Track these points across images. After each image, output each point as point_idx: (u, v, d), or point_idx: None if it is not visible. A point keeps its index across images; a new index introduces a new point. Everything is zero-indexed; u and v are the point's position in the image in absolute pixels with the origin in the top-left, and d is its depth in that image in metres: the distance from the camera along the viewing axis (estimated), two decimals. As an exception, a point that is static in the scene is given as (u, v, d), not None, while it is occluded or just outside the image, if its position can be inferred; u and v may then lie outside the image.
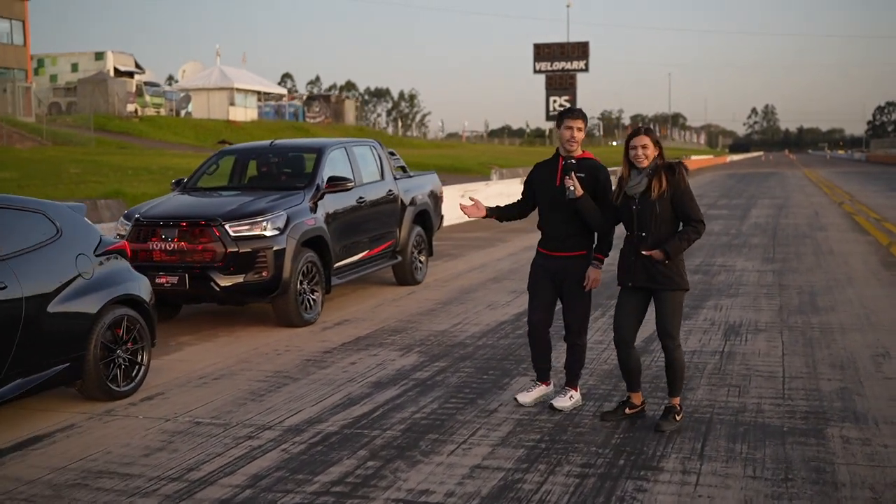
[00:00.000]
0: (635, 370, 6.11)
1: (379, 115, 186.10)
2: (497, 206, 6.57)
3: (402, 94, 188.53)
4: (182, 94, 62.97)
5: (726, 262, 14.20)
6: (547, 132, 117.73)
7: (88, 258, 6.68)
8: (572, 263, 6.21)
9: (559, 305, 6.47)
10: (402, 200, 11.83)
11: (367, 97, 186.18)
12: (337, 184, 10.14)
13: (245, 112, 64.31)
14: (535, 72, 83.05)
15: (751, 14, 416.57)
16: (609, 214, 6.10)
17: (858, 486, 4.87)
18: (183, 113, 62.15)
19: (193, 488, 4.98)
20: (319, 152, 10.55)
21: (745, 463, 5.23)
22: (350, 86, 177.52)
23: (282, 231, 9.20)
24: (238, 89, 65.16)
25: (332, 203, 10.22)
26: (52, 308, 6.24)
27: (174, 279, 8.98)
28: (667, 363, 5.97)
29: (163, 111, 59.28)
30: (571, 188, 6.07)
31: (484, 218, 6.46)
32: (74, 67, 55.90)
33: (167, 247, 9.06)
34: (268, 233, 9.11)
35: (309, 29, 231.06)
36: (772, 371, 7.31)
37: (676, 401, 5.94)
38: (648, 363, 7.55)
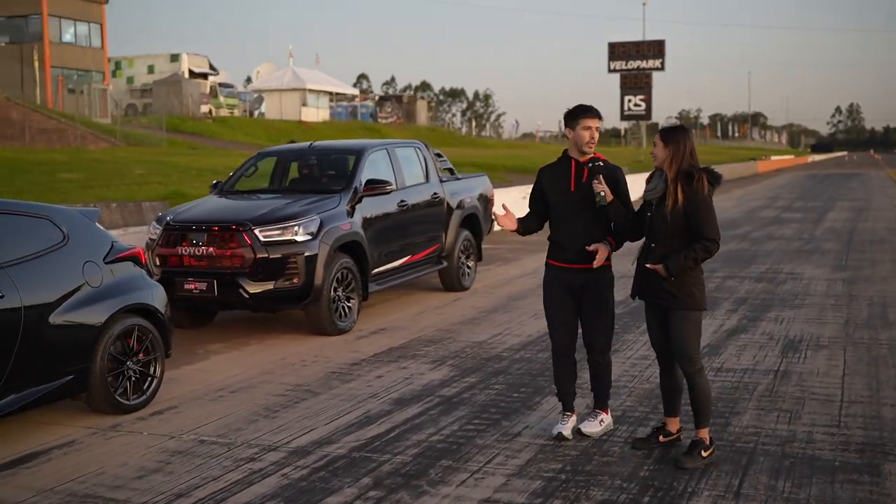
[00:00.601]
0: (674, 391, 5.58)
1: (454, 116, 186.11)
2: (520, 219, 6.00)
3: (476, 94, 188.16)
4: (255, 95, 63.55)
5: (794, 269, 13.44)
6: (622, 132, 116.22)
7: (97, 265, 6.40)
8: (594, 276, 5.68)
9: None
10: (448, 203, 11.40)
11: (441, 97, 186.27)
12: (375, 187, 9.76)
13: (317, 112, 64.59)
14: (610, 71, 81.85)
15: (834, 11, 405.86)
16: (635, 219, 5.59)
17: (914, 535, 4.29)
18: (256, 114, 62.71)
19: (177, 518, 4.63)
20: (358, 154, 10.18)
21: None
22: (425, 86, 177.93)
23: (314, 236, 8.85)
24: (310, 90, 65.46)
25: (371, 207, 9.85)
26: (55, 318, 5.97)
27: (203, 285, 8.70)
28: (689, 390, 5.41)
29: (237, 112, 59.85)
30: (602, 193, 5.56)
31: (514, 232, 5.93)
32: (150, 69, 56.80)
33: (196, 252, 8.79)
34: (299, 238, 8.77)
35: (385, 30, 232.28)
36: (829, 394, 6.69)
37: (704, 433, 5.36)
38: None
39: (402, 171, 10.74)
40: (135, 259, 6.84)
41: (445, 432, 5.96)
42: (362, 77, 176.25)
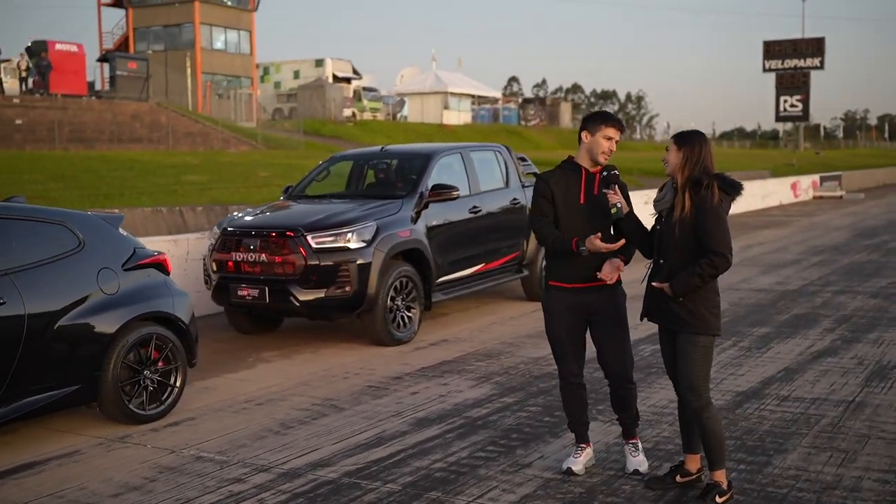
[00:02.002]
0: (692, 425, 4.96)
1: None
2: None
3: (629, 96, 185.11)
4: (397, 99, 64.24)
5: (919, 284, 12.27)
6: (780, 133, 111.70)
7: (114, 272, 6.30)
8: (605, 295, 5.10)
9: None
10: (529, 209, 10.89)
11: (593, 99, 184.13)
12: (441, 192, 9.39)
13: (458, 116, 64.68)
14: (765, 70, 78.75)
15: None
16: (650, 235, 5.00)
17: None
18: (399, 117, 63.38)
19: (127, 543, 4.40)
20: (426, 159, 9.84)
21: (791, 567, 4.03)
22: (576, 88, 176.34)
23: (368, 243, 8.57)
24: (452, 93, 65.60)
25: (438, 213, 9.49)
26: (63, 325, 5.89)
27: (255, 292, 8.56)
28: (698, 427, 4.79)
29: (380, 116, 60.63)
30: (618, 205, 4.99)
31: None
32: (296, 74, 58.19)
33: (250, 258, 8.65)
34: (352, 245, 8.50)
35: (536, 33, 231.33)
36: (900, 432, 5.89)
37: (720, 476, 4.73)
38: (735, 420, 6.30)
39: (478, 175, 10.33)
40: (159, 266, 6.71)
41: (451, 459, 5.53)
42: (513, 80, 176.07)
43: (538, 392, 7.03)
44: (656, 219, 4.90)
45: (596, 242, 4.88)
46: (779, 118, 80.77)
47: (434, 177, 9.63)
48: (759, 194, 29.50)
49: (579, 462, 5.25)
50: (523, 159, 11.51)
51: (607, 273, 4.98)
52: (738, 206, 24.39)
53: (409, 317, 9.04)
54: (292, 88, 57.30)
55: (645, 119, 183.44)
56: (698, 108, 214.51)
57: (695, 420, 4.79)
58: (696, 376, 4.68)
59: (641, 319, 5.02)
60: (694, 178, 4.64)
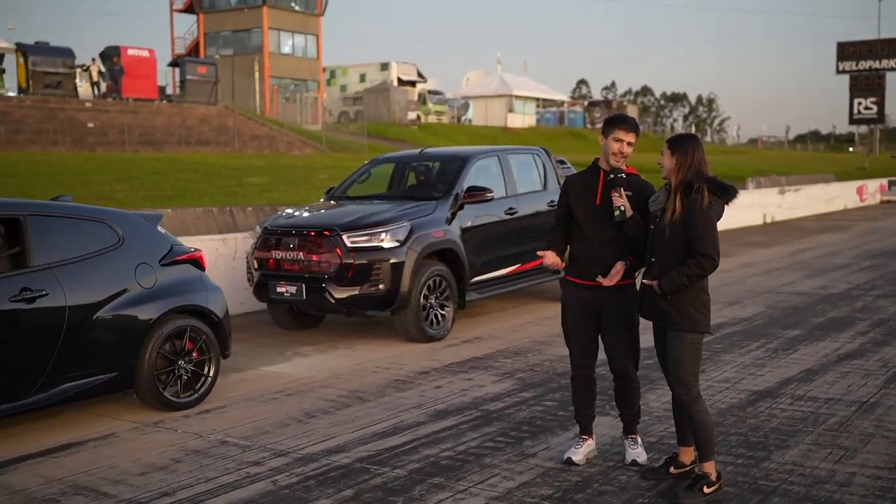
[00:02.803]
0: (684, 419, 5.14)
1: (675, 121, 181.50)
2: (552, 243, 5.63)
3: (699, 99, 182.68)
4: (462, 102, 64.66)
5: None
6: (855, 137, 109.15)
7: (151, 267, 6.69)
8: (613, 295, 5.29)
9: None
10: (559, 211, 11.08)
11: (662, 102, 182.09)
12: (476, 194, 9.65)
13: (523, 119, 64.88)
14: (838, 72, 77.21)
15: None
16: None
17: None
18: (463, 120, 63.77)
19: (146, 516, 4.75)
20: (463, 161, 10.10)
21: (763, 553, 4.20)
22: (645, 91, 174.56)
23: (402, 243, 8.86)
24: (517, 96, 65.84)
25: (474, 214, 9.74)
26: (101, 316, 6.29)
27: (293, 288, 8.92)
28: (688, 420, 4.96)
29: (445, 118, 61.12)
30: (622, 208, 5.19)
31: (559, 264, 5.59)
32: (362, 78, 59.00)
33: (289, 256, 9.01)
34: (386, 244, 8.81)
35: (606, 35, 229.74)
36: (906, 432, 5.97)
37: (709, 467, 4.90)
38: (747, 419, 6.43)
39: (515, 178, 10.56)
40: (195, 262, 7.09)
41: (461, 448, 5.79)
42: (581, 82, 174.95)
43: (557, 388, 7.24)
44: (652, 220, 5.09)
45: (548, 256, 5.28)
46: (853, 121, 79.08)
47: (470, 179, 9.89)
48: (822, 198, 29.13)
49: (580, 452, 5.46)
50: (562, 162, 11.70)
51: (605, 276, 5.20)
52: (797, 211, 24.31)
53: (442, 315, 9.31)
54: (358, 92, 58.11)
55: (716, 122, 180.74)
56: (771, 110, 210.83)
57: (685, 413, 4.96)
58: (685, 372, 4.85)
59: (636, 314, 5.21)
60: (685, 182, 4.82)
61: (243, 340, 9.33)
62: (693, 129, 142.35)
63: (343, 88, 59.79)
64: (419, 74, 60.96)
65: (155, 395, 6.61)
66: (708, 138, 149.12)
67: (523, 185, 10.67)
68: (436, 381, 7.55)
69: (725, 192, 4.84)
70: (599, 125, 68.98)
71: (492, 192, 9.77)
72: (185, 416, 6.65)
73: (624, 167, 5.29)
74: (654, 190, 5.28)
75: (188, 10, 56.05)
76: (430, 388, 7.33)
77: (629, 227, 5.19)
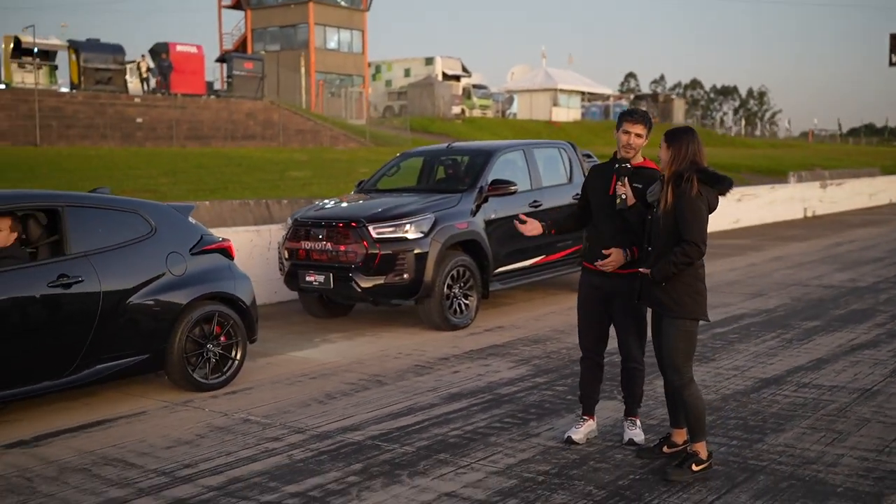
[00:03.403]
0: (677, 401, 5.38)
1: (725, 114, 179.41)
2: (554, 220, 6.06)
3: (750, 92, 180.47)
4: (506, 96, 64.76)
5: None
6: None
7: (182, 256, 7.07)
8: (620, 282, 5.57)
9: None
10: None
11: (712, 95, 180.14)
12: (499, 187, 9.93)
13: (567, 112, 64.76)
14: (891, 64, 75.84)
15: None
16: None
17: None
18: (508, 114, 63.88)
19: (168, 485, 5.11)
20: (488, 155, 10.38)
21: (739, 524, 4.44)
22: (695, 84, 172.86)
23: (426, 234, 9.17)
24: (561, 90, 65.77)
25: (498, 206, 10.02)
26: (134, 302, 6.68)
27: (321, 278, 9.27)
28: (679, 403, 5.19)
29: (489, 113, 61.27)
30: (623, 196, 5.47)
31: (543, 234, 5.97)
32: (407, 73, 59.38)
33: (317, 246, 9.37)
34: (410, 235, 9.12)
35: (654, 28, 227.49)
36: (903, 418, 6.15)
37: (699, 447, 5.13)
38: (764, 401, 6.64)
39: (540, 171, 10.81)
40: (223, 251, 7.46)
41: (469, 428, 6.09)
42: (630, 76, 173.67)
43: (570, 374, 7.49)
44: (651, 210, 5.33)
45: (529, 222, 5.88)
46: (904, 114, 77.65)
47: (495, 172, 10.16)
48: (865, 192, 28.88)
49: (580, 432, 5.73)
50: (588, 156, 11.93)
51: (602, 261, 5.48)
52: (840, 205, 24.10)
53: (466, 304, 9.60)
54: (403, 86, 58.44)
55: (767, 115, 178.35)
56: (823, 103, 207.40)
57: (678, 397, 5.20)
58: (678, 357, 5.09)
59: (637, 301, 5.45)
60: (677, 173, 5.06)
61: (275, 327, 9.72)
62: (743, 123, 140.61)
63: (388, 83, 60.21)
64: (464, 69, 61.14)
65: (184, 376, 6.99)
66: (758, 132, 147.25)
67: (548, 178, 10.92)
68: (454, 367, 7.85)
69: (717, 182, 5.05)
70: (645, 119, 68.51)
71: (515, 185, 10.03)
72: (212, 396, 7.02)
73: (639, 158, 5.57)
74: (654, 179, 5.53)
75: (236, 6, 56.88)
76: (447, 373, 7.63)
77: (630, 215, 5.45)
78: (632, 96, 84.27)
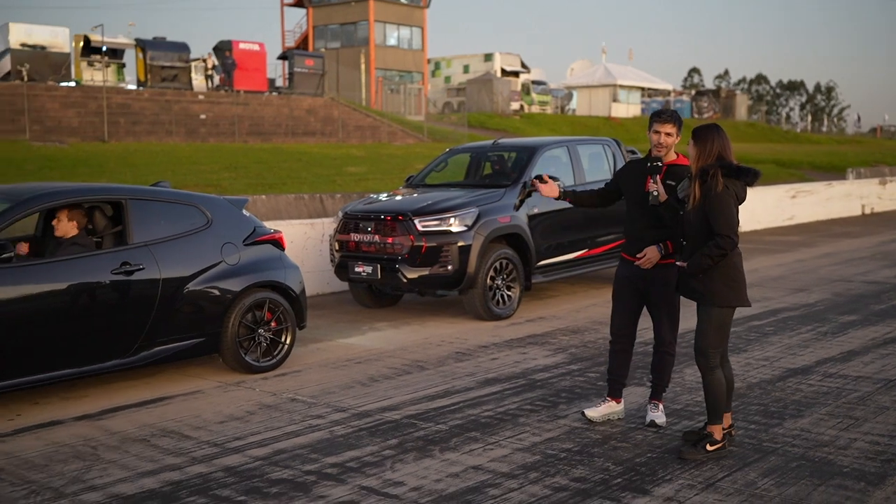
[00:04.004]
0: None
1: (791, 110, 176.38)
2: (573, 190, 6.42)
3: (817, 87, 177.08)
4: (565, 92, 64.79)
5: None
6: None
7: (235, 246, 7.54)
8: (655, 273, 5.89)
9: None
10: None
11: (778, 90, 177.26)
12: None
13: (627, 108, 64.60)
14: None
15: None
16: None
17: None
18: (567, 110, 63.91)
19: (219, 454, 5.56)
20: (531, 151, 10.71)
21: (734, 497, 4.74)
22: (760, 79, 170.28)
23: (470, 227, 9.54)
24: (621, 86, 65.61)
25: (540, 202, 10.32)
26: (191, 289, 7.16)
27: (369, 269, 9.69)
28: (703, 386, 5.48)
29: (548, 109, 61.39)
30: (655, 193, 5.80)
31: (558, 199, 6.38)
32: (466, 69, 59.78)
33: (365, 239, 9.80)
34: (454, 228, 9.50)
35: (719, 22, 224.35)
36: (921, 406, 6.35)
37: (714, 429, 5.41)
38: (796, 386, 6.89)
39: (584, 167, 11.10)
40: (275, 242, 7.92)
41: (501, 410, 6.45)
42: (693, 71, 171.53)
43: (604, 362, 7.78)
44: (682, 206, 5.63)
45: (541, 187, 6.38)
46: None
47: (538, 168, 10.48)
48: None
49: (598, 411, 6.09)
50: (633, 152, 12.15)
51: (642, 258, 5.82)
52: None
53: (508, 295, 9.95)
54: (461, 83, 58.82)
55: (834, 111, 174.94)
56: (894, 98, 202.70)
57: (702, 379, 5.48)
58: (707, 344, 5.37)
59: (674, 291, 5.76)
60: (702, 169, 5.35)
61: (326, 316, 10.18)
62: (810, 119, 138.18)
63: (447, 79, 60.68)
64: (522, 65, 61.36)
65: (237, 358, 7.46)
66: (825, 128, 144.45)
67: (592, 174, 11.20)
68: (493, 354, 8.21)
69: (741, 175, 5.31)
70: (708, 114, 67.50)
71: (558, 180, 10.30)
72: (263, 377, 7.48)
73: (673, 156, 5.91)
74: (683, 177, 5.84)
75: (298, 4, 57.80)
76: (486, 360, 7.99)
77: (663, 209, 5.77)
78: (693, 91, 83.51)
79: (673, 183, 5.78)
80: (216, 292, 7.33)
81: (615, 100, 65.03)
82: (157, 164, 23.52)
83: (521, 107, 58.09)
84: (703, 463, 5.28)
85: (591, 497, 4.79)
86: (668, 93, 73.82)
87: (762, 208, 20.52)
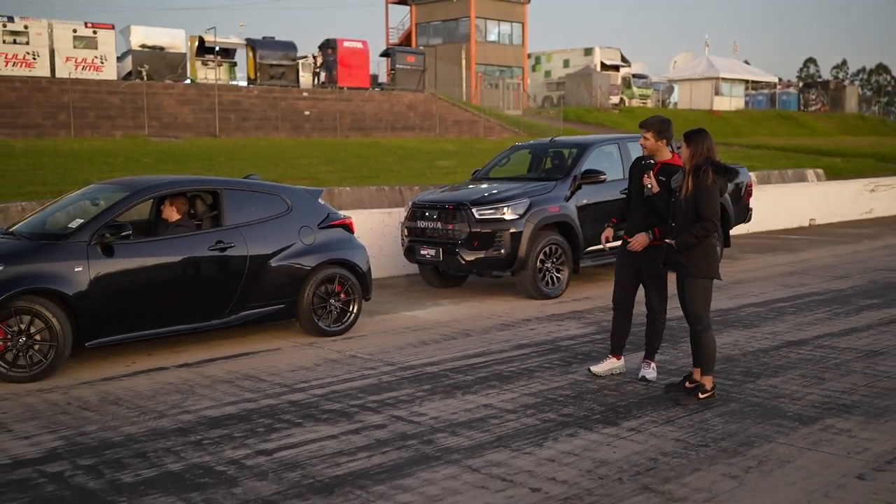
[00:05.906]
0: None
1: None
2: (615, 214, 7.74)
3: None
4: (667, 85, 64.86)
5: None
6: None
7: (311, 229, 8.98)
8: (645, 253, 7.07)
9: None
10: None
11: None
12: (590, 176, 11.40)
13: (730, 101, 64.31)
14: None
15: None
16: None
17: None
18: (668, 103, 64.01)
19: (287, 392, 6.99)
20: (582, 148, 11.88)
21: (684, 430, 5.88)
22: (881, 69, 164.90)
23: (521, 216, 10.79)
24: (723, 78, 65.33)
25: (591, 193, 11.50)
26: (273, 264, 8.63)
27: (433, 252, 11.05)
28: (695, 344, 6.61)
29: (649, 102, 61.67)
30: (649, 186, 7.00)
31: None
32: (566, 63, 60.58)
33: (430, 225, 11.16)
34: (507, 217, 10.77)
35: (835, 11, 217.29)
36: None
37: (706, 380, 6.56)
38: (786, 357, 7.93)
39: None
40: (345, 227, 9.34)
41: (523, 367, 7.70)
42: (809, 61, 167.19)
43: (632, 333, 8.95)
44: (673, 195, 6.78)
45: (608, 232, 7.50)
46: None
47: (588, 163, 11.64)
48: None
49: (600, 367, 7.31)
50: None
51: (632, 243, 7.02)
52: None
53: (558, 277, 11.17)
54: (561, 77, 59.66)
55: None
56: None
57: (696, 339, 6.63)
58: (699, 308, 6.54)
59: (663, 265, 6.92)
60: (696, 166, 6.51)
61: (396, 293, 11.58)
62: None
63: (547, 74, 61.58)
64: (623, 59, 61.76)
65: (311, 323, 8.91)
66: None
67: (641, 169, 12.27)
68: (533, 326, 9.45)
69: (726, 173, 6.48)
70: (815, 107, 66.10)
71: (605, 174, 11.49)
72: (332, 340, 8.90)
73: (668, 155, 7.07)
74: (677, 174, 7.01)
75: (402, 2, 59.58)
76: (525, 331, 9.24)
77: (656, 200, 6.95)
78: (800, 84, 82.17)
79: (664, 178, 6.95)
80: (294, 267, 8.78)
81: (717, 93, 64.77)
82: (261, 158, 25.39)
83: (622, 100, 58.56)
84: (671, 406, 6.45)
85: (570, 427, 6.02)
86: (773, 85, 72.96)
87: (837, 202, 21.07)
